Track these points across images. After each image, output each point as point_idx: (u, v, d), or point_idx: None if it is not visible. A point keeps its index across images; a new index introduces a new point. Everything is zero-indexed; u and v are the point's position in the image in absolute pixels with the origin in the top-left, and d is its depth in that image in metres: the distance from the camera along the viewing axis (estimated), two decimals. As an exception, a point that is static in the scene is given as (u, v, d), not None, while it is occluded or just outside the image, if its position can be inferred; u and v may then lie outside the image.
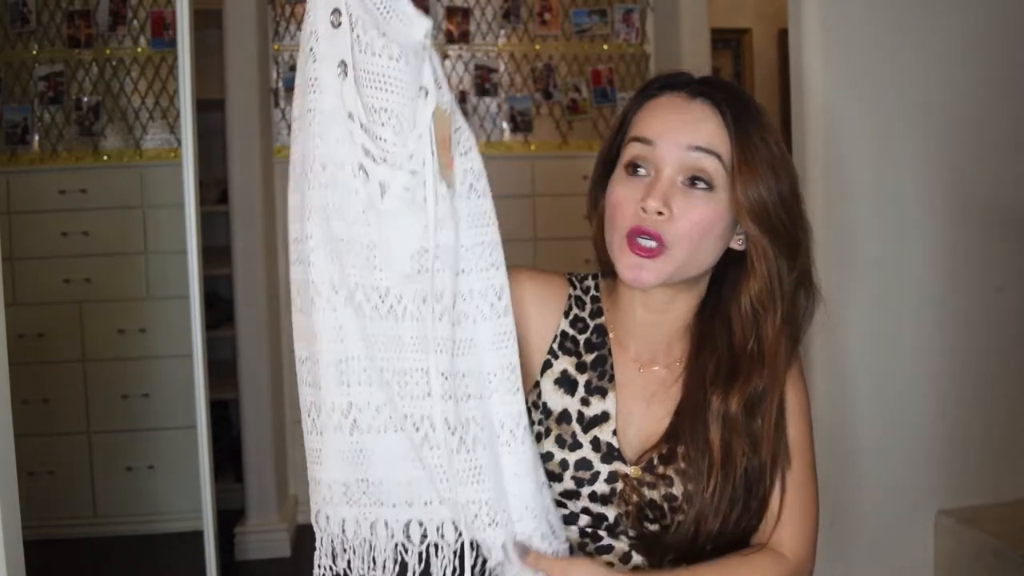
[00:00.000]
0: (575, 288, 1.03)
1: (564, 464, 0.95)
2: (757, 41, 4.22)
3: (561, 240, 3.08)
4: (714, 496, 0.92)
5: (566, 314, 1.01)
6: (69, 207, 2.88)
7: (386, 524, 0.89)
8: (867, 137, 1.94)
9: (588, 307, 1.02)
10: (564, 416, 0.97)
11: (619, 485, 0.95)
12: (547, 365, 1.00)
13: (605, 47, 3.20)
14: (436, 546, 0.89)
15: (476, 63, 3.15)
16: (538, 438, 0.97)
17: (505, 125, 3.17)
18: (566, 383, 0.99)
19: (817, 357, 1.92)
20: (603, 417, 0.97)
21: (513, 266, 0.88)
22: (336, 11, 0.78)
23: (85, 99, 2.93)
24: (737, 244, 0.96)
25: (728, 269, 0.98)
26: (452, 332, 0.82)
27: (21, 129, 2.90)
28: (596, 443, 0.96)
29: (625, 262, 0.91)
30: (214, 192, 3.01)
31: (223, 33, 2.72)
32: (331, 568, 0.91)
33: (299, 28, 3.03)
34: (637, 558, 0.96)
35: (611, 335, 1.01)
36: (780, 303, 0.93)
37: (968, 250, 2.00)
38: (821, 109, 1.91)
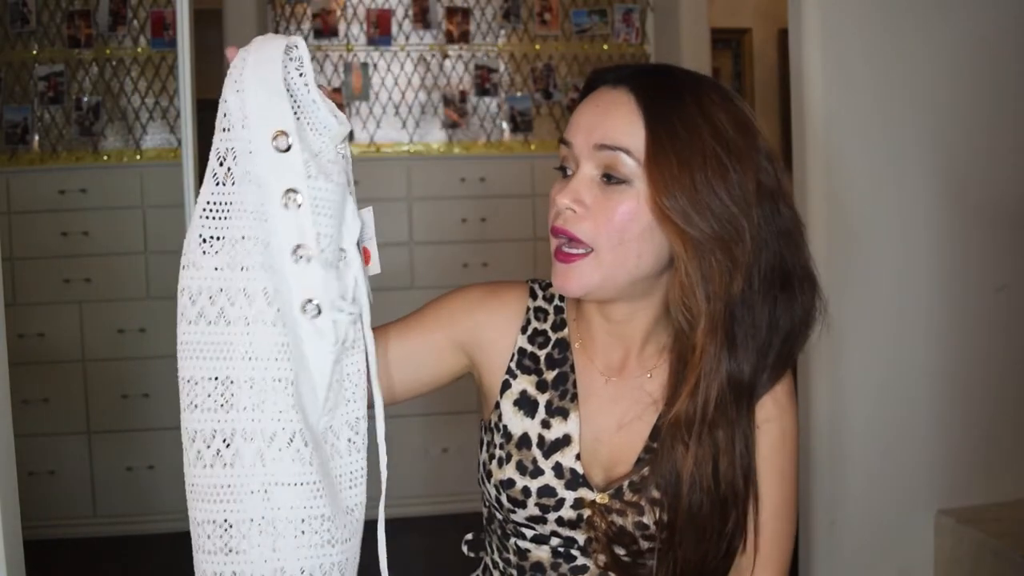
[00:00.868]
0: (536, 298, 0.98)
1: (527, 491, 0.91)
2: (757, 41, 4.22)
3: (561, 240, 3.08)
4: (688, 525, 0.87)
5: (523, 329, 0.96)
6: (69, 207, 2.88)
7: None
8: (867, 137, 1.94)
9: (551, 318, 0.97)
10: (524, 440, 0.93)
11: (586, 512, 0.90)
12: (506, 385, 0.95)
13: (605, 47, 3.21)
14: None
15: (476, 63, 3.15)
16: (499, 464, 0.93)
17: (505, 125, 3.17)
18: (526, 404, 0.94)
19: (817, 357, 1.92)
20: (564, 441, 0.92)
21: (467, 285, 0.85)
22: (283, 133, 0.71)
23: (85, 99, 2.93)
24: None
25: None
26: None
27: (21, 129, 2.90)
28: (559, 469, 0.91)
29: (553, 270, 0.88)
30: (214, 192, 3.00)
31: (223, 33, 2.73)
32: None
33: (299, 28, 3.03)
34: None
35: (576, 345, 0.96)
36: (705, 307, 0.84)
37: (968, 250, 2.00)
38: (821, 109, 1.91)
